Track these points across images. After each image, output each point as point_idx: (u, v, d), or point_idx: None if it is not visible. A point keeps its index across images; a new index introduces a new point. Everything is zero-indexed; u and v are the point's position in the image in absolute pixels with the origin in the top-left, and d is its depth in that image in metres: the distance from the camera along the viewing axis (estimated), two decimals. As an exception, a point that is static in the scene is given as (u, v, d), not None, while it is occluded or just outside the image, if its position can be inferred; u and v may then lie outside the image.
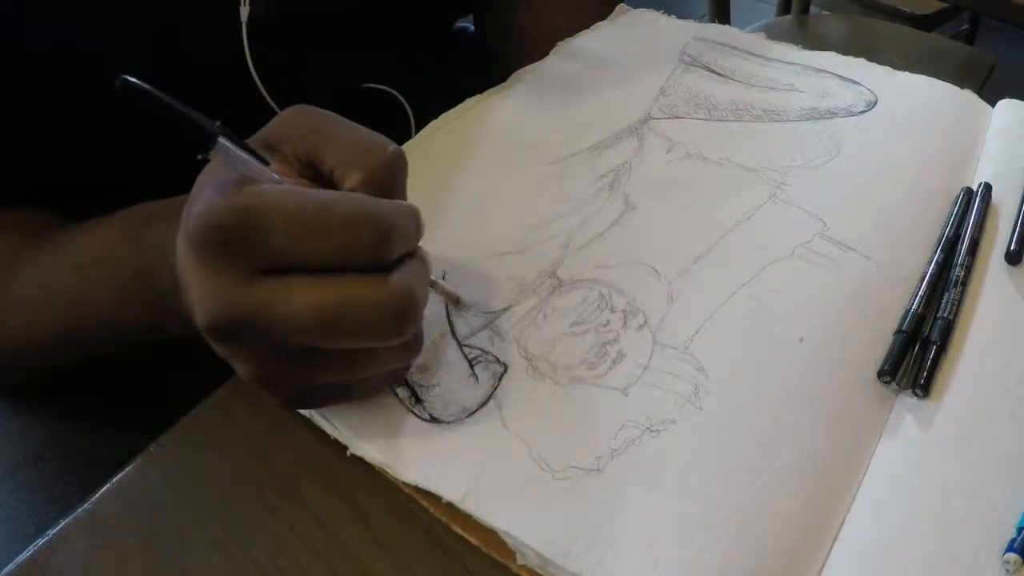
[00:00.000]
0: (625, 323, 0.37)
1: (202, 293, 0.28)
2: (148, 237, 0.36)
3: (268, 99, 0.47)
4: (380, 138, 0.31)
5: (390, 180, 0.31)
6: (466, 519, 0.31)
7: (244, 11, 0.44)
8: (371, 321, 0.28)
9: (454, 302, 0.37)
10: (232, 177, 0.28)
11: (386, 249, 0.29)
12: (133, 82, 0.26)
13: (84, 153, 0.43)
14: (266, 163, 0.29)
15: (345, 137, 0.31)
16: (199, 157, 0.28)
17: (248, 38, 0.44)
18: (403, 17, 0.55)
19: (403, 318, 0.29)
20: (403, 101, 0.55)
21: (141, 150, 0.43)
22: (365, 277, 0.28)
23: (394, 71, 0.56)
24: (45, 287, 0.39)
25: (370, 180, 0.30)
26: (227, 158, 0.28)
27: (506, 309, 0.38)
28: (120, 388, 0.45)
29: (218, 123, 0.28)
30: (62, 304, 0.39)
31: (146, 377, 0.44)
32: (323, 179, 0.31)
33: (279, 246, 0.27)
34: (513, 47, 0.57)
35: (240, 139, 0.29)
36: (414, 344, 0.32)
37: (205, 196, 0.28)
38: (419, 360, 0.35)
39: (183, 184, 0.37)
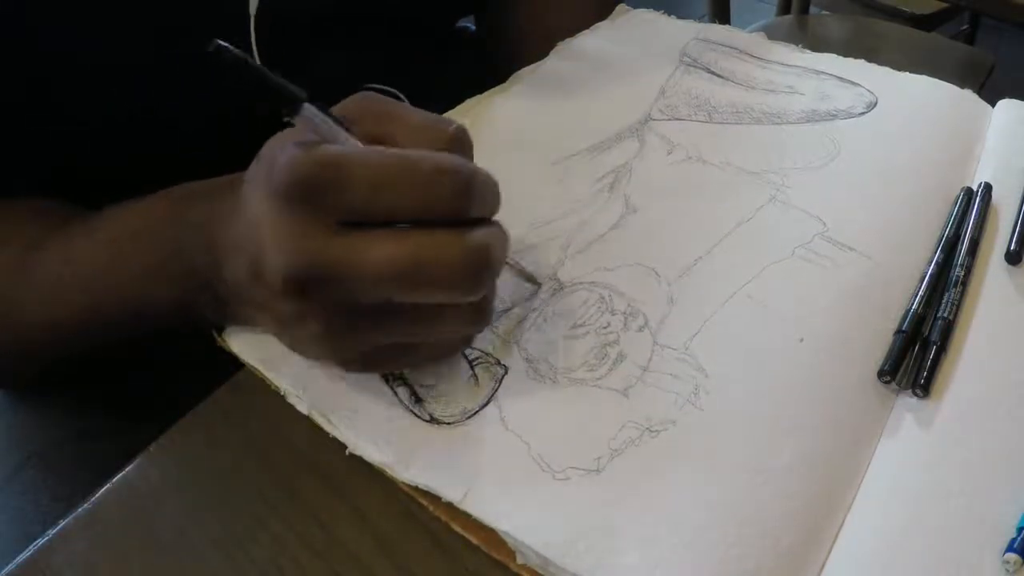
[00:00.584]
0: (625, 325, 0.37)
1: (282, 244, 0.29)
2: (189, 215, 0.36)
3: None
4: (443, 118, 0.33)
5: (459, 153, 0.32)
6: (466, 519, 0.31)
7: (253, 4, 0.44)
8: (447, 274, 0.29)
9: (532, 282, 0.38)
10: (312, 138, 0.30)
11: (466, 203, 0.30)
12: (225, 47, 0.27)
13: (94, 148, 0.43)
14: (348, 130, 0.30)
15: (411, 119, 0.32)
16: (285, 120, 0.29)
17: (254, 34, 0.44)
18: (407, 16, 0.55)
19: (479, 274, 0.30)
20: (404, 100, 0.55)
21: (149, 143, 0.43)
22: (445, 231, 0.29)
23: (396, 71, 0.56)
24: (71, 265, 0.39)
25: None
26: (311, 123, 0.29)
27: (507, 311, 0.38)
28: (121, 388, 0.45)
29: (305, 91, 0.29)
30: (88, 280, 0.39)
31: (146, 377, 0.44)
32: None
33: (362, 198, 0.28)
34: (513, 47, 0.57)
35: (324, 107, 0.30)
36: (485, 309, 0.33)
37: (289, 151, 0.29)
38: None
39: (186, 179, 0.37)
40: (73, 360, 0.44)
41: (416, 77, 0.57)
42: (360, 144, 0.30)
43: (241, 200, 0.32)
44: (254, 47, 0.45)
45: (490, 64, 0.57)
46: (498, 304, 0.38)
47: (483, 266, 0.30)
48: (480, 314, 0.33)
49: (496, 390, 0.34)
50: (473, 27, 0.68)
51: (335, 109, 0.32)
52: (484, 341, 0.36)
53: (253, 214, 0.30)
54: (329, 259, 0.28)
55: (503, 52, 0.58)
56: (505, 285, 0.38)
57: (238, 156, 0.33)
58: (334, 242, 0.29)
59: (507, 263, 0.36)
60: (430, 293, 0.30)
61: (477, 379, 0.35)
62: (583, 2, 0.59)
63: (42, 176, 0.44)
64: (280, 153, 0.29)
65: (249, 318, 0.36)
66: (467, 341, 0.35)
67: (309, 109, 0.29)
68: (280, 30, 0.45)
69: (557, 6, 0.59)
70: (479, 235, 0.30)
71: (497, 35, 0.62)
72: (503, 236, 0.32)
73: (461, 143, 0.32)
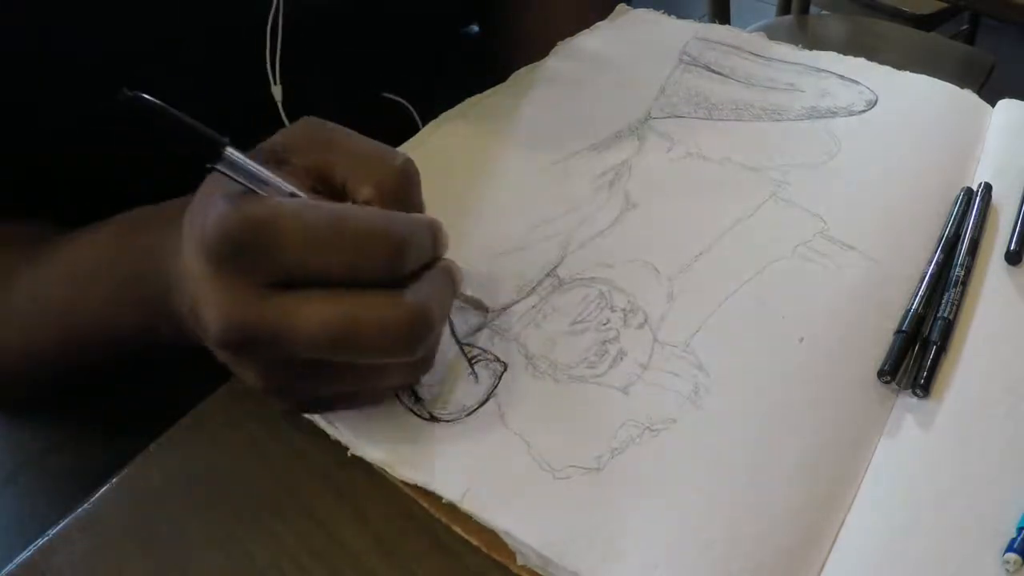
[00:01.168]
0: (625, 322, 0.37)
1: (213, 305, 0.28)
2: (142, 241, 0.36)
3: (281, 112, 0.47)
4: (389, 149, 0.31)
5: (403, 190, 0.31)
6: (466, 519, 0.31)
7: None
8: (383, 338, 0.28)
9: (481, 309, 0.37)
10: (242, 188, 0.28)
11: (400, 263, 0.29)
12: (139, 96, 0.26)
13: (80, 158, 0.43)
14: (280, 167, 0.29)
15: (355, 148, 0.31)
16: (208, 167, 0.28)
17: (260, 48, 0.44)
18: (412, 22, 0.55)
19: (416, 336, 0.28)
20: (411, 108, 0.55)
21: (138, 154, 0.43)
22: (379, 293, 0.28)
23: (399, 75, 0.55)
24: (38, 299, 0.39)
25: (383, 191, 0.30)
26: (236, 170, 0.28)
27: (506, 308, 0.38)
28: (120, 390, 0.45)
29: (226, 137, 0.28)
30: (56, 315, 0.39)
31: (146, 378, 0.44)
32: (334, 191, 0.31)
33: (292, 259, 0.27)
34: (515, 47, 0.57)
35: (246, 151, 0.29)
36: (428, 360, 0.32)
37: (217, 207, 0.28)
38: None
39: (180, 186, 0.37)
40: (60, 384, 0.44)
41: (420, 79, 0.57)
42: (292, 189, 0.29)
43: (180, 239, 0.31)
44: (278, 51, 0.45)
45: (490, 64, 0.57)
46: (498, 302, 0.38)
47: (420, 325, 0.28)
48: (422, 365, 0.32)
49: (495, 387, 0.34)
50: (476, 28, 0.68)
51: (276, 135, 0.31)
52: (483, 338, 0.36)
53: (189, 267, 0.29)
54: (259, 321, 0.28)
55: (504, 52, 0.58)
56: (497, 285, 0.38)
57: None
58: (265, 303, 0.28)
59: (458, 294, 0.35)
60: (366, 355, 0.29)
61: (476, 376, 0.35)
62: (583, 2, 0.59)
63: (21, 191, 0.44)
64: (210, 207, 0.28)
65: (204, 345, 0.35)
66: (412, 384, 0.34)
67: (232, 155, 0.28)
68: (288, 36, 0.45)
69: (558, 7, 0.59)
70: (416, 295, 0.29)
71: (499, 35, 0.62)
72: (444, 285, 0.31)
73: (405, 178, 0.31)
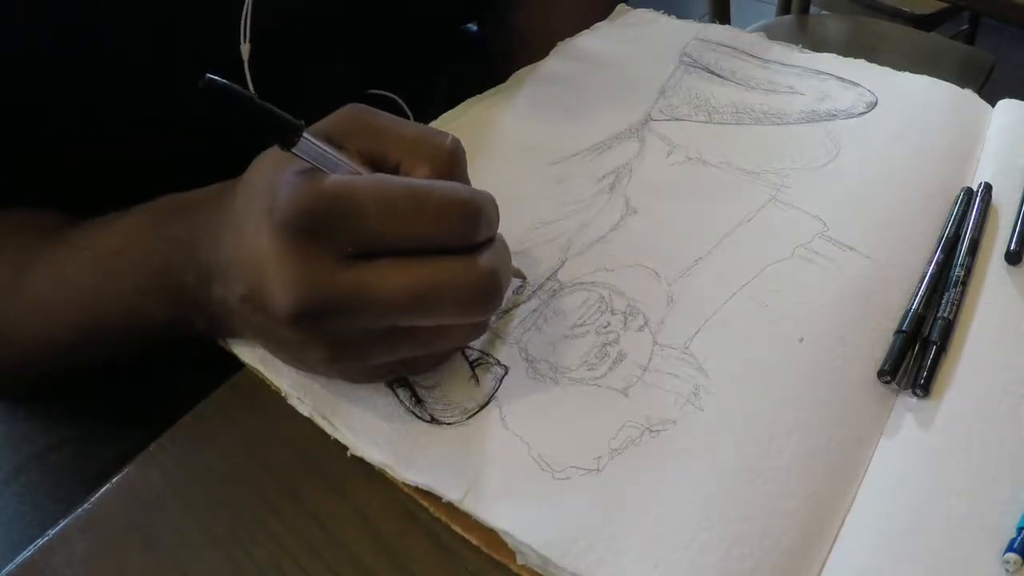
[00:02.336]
0: (625, 324, 0.37)
1: (289, 278, 0.29)
2: (173, 230, 0.36)
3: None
4: (436, 130, 0.33)
5: (455, 169, 0.32)
6: (466, 519, 0.31)
7: (245, 50, 0.44)
8: (461, 300, 0.30)
9: (520, 277, 0.39)
10: (307, 165, 0.29)
11: (474, 231, 0.30)
12: (217, 80, 0.27)
13: (88, 152, 0.43)
14: (344, 154, 0.30)
15: (405, 131, 0.32)
16: (283, 149, 0.29)
17: (249, 48, 0.44)
18: (412, 20, 0.55)
19: (490, 297, 0.30)
20: (404, 107, 0.55)
21: (147, 148, 0.43)
22: (455, 258, 0.30)
23: (396, 75, 0.55)
24: (62, 284, 0.39)
25: (438, 170, 0.31)
26: (307, 152, 0.29)
27: (507, 311, 0.38)
28: (120, 389, 0.45)
29: (302, 121, 0.29)
30: (80, 301, 0.38)
31: (146, 377, 0.43)
32: (388, 173, 0.32)
33: (371, 230, 0.29)
34: (515, 48, 0.57)
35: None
36: (485, 322, 0.34)
37: (291, 183, 0.29)
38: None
39: (184, 180, 0.37)
40: (77, 375, 0.44)
41: (418, 79, 0.57)
42: (359, 170, 0.30)
43: (231, 221, 0.32)
44: (248, 77, 0.45)
45: (490, 64, 0.57)
46: None
47: (494, 289, 0.30)
48: (483, 326, 0.34)
49: (496, 390, 0.34)
50: (475, 28, 0.68)
51: (325, 122, 0.32)
52: (484, 341, 0.36)
53: (252, 246, 0.30)
54: (339, 292, 0.28)
55: (504, 52, 0.58)
56: None
57: (237, 158, 0.33)
58: (344, 275, 0.29)
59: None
60: (444, 317, 0.30)
61: (477, 379, 0.35)
62: (584, 2, 0.59)
63: (29, 185, 0.43)
64: (282, 184, 0.29)
65: (244, 336, 0.36)
66: (465, 345, 0.35)
67: (307, 139, 0.29)
68: (277, 40, 0.45)
69: (558, 7, 0.59)
70: (488, 260, 0.30)
71: (499, 35, 0.62)
72: (506, 253, 0.33)
73: (457, 157, 0.32)
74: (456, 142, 0.32)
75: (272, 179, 0.30)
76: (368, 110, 0.33)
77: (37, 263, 0.40)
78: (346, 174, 0.30)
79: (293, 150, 0.29)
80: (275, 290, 0.29)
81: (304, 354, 0.32)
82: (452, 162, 0.32)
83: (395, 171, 0.32)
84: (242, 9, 0.43)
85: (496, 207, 0.32)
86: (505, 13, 0.60)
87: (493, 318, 0.37)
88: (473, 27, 0.68)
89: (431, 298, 0.29)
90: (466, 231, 0.30)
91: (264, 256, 0.29)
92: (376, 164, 0.32)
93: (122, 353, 0.41)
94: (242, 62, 0.44)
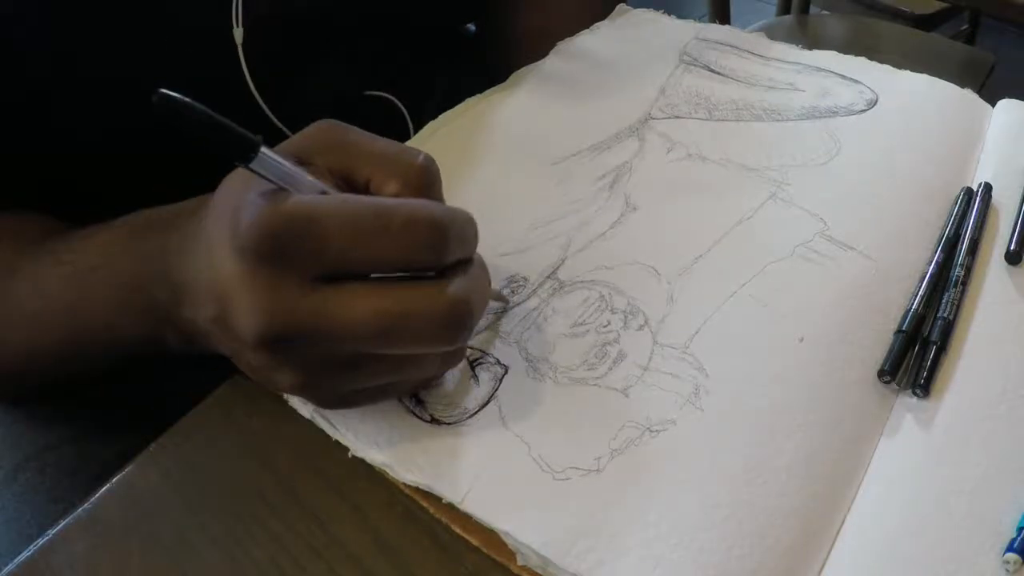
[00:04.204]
0: (625, 323, 0.37)
1: (253, 304, 0.28)
2: (145, 247, 0.35)
3: (267, 111, 0.46)
4: (408, 147, 0.32)
5: (427, 186, 0.31)
6: (466, 519, 0.31)
7: (238, 34, 0.44)
8: (428, 329, 0.28)
9: (501, 300, 0.38)
10: (272, 185, 0.28)
11: (444, 251, 0.29)
12: (170, 95, 0.26)
13: (79, 159, 0.43)
14: (308, 170, 0.29)
15: (376, 148, 0.31)
16: (239, 166, 0.28)
17: (245, 50, 0.44)
18: (410, 21, 0.55)
19: (459, 326, 0.29)
20: (402, 108, 0.55)
21: (140, 155, 0.43)
22: (423, 284, 0.29)
23: (394, 76, 0.55)
24: (43, 297, 0.39)
25: (408, 187, 0.30)
26: (268, 170, 0.28)
27: (507, 310, 0.38)
28: (120, 389, 0.45)
29: (259, 136, 0.27)
30: (60, 314, 0.39)
31: (146, 378, 0.43)
32: (358, 191, 0.31)
33: (337, 252, 0.27)
34: (514, 47, 0.57)
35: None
36: (460, 351, 0.33)
37: (254, 205, 0.28)
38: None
39: (180, 185, 0.37)
40: (60, 384, 0.44)
41: (416, 79, 0.57)
42: (323, 187, 0.29)
43: (200, 242, 0.31)
44: (244, 67, 0.44)
45: (490, 64, 0.57)
46: (498, 304, 0.38)
47: (463, 319, 0.29)
48: (456, 355, 0.33)
49: (496, 390, 0.34)
50: (473, 28, 0.68)
51: (295, 138, 0.31)
52: (484, 340, 0.36)
53: (218, 269, 0.29)
54: (304, 317, 0.28)
55: (503, 52, 0.58)
56: (497, 287, 0.38)
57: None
58: (308, 299, 0.28)
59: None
60: (411, 346, 0.29)
61: (477, 379, 0.35)
62: (583, 2, 0.59)
63: (26, 186, 0.43)
64: (244, 205, 0.28)
65: (220, 353, 0.35)
66: (443, 373, 0.35)
67: (266, 155, 0.27)
68: (273, 41, 0.45)
69: (557, 6, 0.59)
70: (459, 286, 0.29)
71: (498, 36, 0.62)
72: (483, 277, 0.32)
73: (429, 174, 0.31)
74: (428, 159, 0.31)
75: (236, 200, 0.29)
76: (339, 126, 0.32)
77: (22, 274, 0.40)
78: (310, 192, 0.29)
79: (252, 166, 0.28)
80: (240, 316, 0.28)
81: (275, 378, 0.31)
82: (424, 179, 0.31)
83: (365, 188, 0.31)
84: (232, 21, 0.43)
85: (473, 226, 0.31)
86: (503, 14, 0.60)
87: (491, 318, 0.37)
88: (471, 27, 0.68)
89: (397, 327, 0.28)
90: (434, 251, 0.28)
91: (228, 280, 0.29)
92: (347, 181, 0.31)
93: (103, 366, 0.41)
94: (239, 74, 0.44)
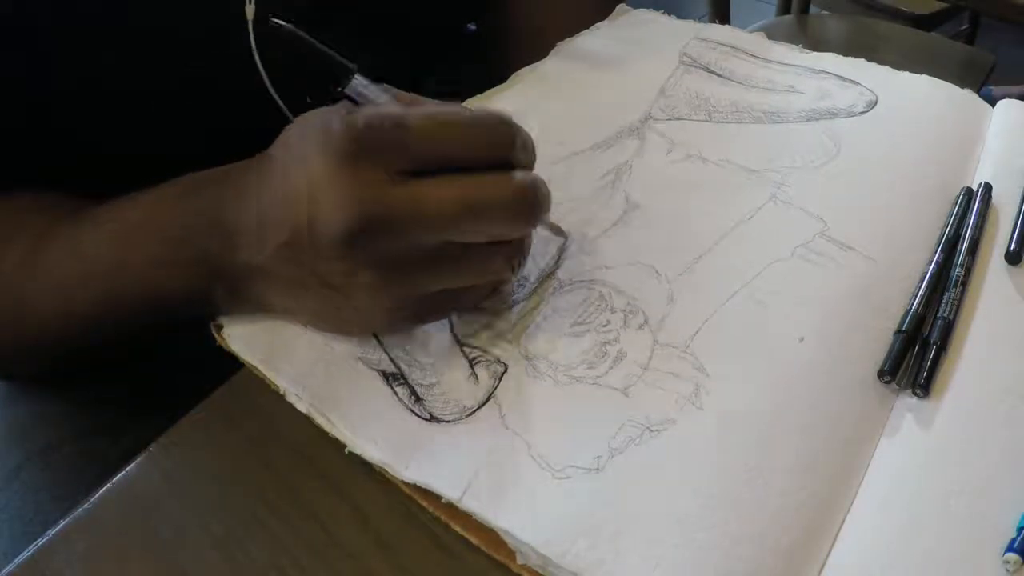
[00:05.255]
0: (625, 323, 0.37)
1: (344, 197, 0.30)
2: (197, 202, 0.36)
3: (276, 98, 0.47)
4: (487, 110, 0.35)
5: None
6: (466, 518, 0.31)
7: (250, 10, 0.44)
8: (507, 208, 0.32)
9: (560, 234, 0.41)
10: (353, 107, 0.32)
11: (513, 150, 0.33)
12: (279, 23, 0.31)
13: (95, 143, 0.43)
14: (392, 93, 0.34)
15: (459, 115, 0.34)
16: (338, 89, 0.32)
17: (254, 38, 0.44)
18: (413, 20, 0.55)
19: (533, 205, 0.33)
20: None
21: (154, 140, 0.43)
22: (497, 173, 0.32)
23: (395, 74, 0.55)
24: (81, 258, 0.39)
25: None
26: (360, 93, 0.33)
27: (507, 309, 0.38)
28: (120, 388, 0.45)
29: (355, 64, 0.33)
30: (100, 274, 0.39)
31: (147, 378, 0.44)
32: None
33: (420, 148, 0.31)
34: (514, 47, 0.57)
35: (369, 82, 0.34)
36: (526, 244, 0.36)
37: (341, 114, 0.31)
38: (419, 359, 0.35)
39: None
40: (91, 352, 0.44)
41: (418, 76, 0.57)
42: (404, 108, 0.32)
43: (267, 179, 0.33)
44: (255, 51, 0.45)
45: (490, 64, 0.57)
46: (532, 265, 0.39)
47: (535, 198, 0.33)
48: (523, 249, 0.36)
49: (495, 388, 0.34)
50: (473, 27, 0.68)
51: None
52: (483, 338, 0.36)
53: (297, 180, 0.31)
54: (392, 207, 0.30)
55: (504, 52, 0.58)
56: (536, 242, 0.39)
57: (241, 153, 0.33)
58: (396, 191, 0.30)
59: None
60: (492, 227, 0.32)
61: (476, 377, 0.35)
62: (584, 2, 0.59)
63: (46, 170, 0.43)
64: (332, 117, 0.31)
65: (268, 301, 0.36)
66: (506, 283, 0.38)
67: (359, 79, 0.33)
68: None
69: (558, 6, 0.59)
70: (527, 175, 0.33)
71: (498, 35, 0.62)
72: (543, 180, 0.35)
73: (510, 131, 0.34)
74: (509, 119, 0.34)
75: (318, 122, 0.32)
76: (403, 94, 0.35)
77: (55, 239, 0.40)
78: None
79: (347, 91, 0.32)
80: (328, 212, 0.30)
81: (351, 286, 0.32)
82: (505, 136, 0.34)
83: None
84: (242, 7, 0.43)
85: (534, 146, 0.35)
86: (505, 13, 0.60)
87: (492, 311, 0.37)
88: (471, 26, 0.68)
89: (480, 207, 0.31)
90: (505, 149, 0.32)
91: (314, 183, 0.31)
92: None
93: (137, 330, 0.41)
94: (249, 60, 0.44)
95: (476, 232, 0.32)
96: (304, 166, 0.31)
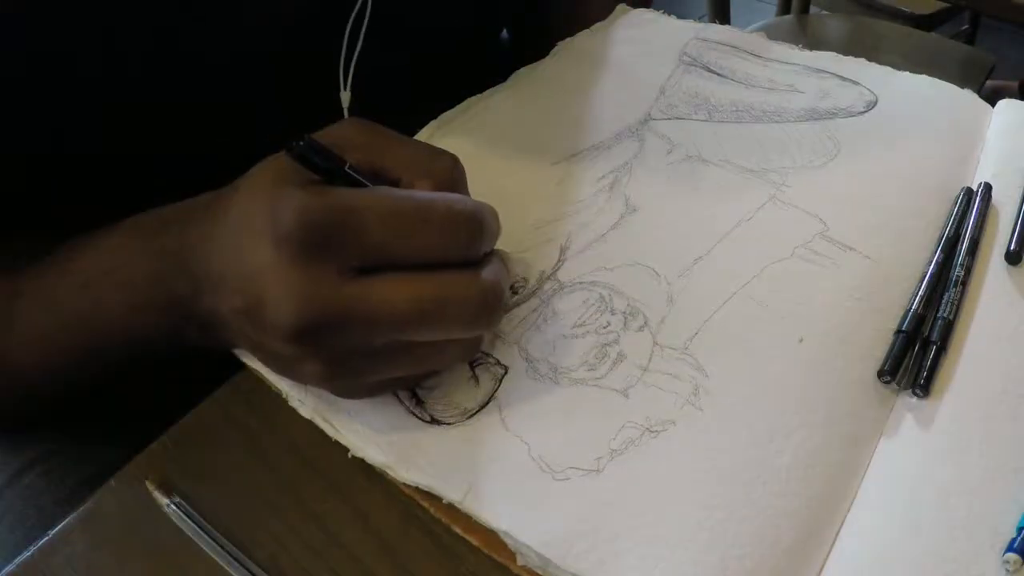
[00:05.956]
0: (625, 324, 0.37)
1: (293, 293, 0.29)
2: (163, 243, 0.35)
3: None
4: (437, 148, 0.33)
5: (457, 184, 0.33)
6: (466, 520, 0.31)
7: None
8: (465, 313, 0.30)
9: (522, 281, 0.39)
10: (310, 176, 0.29)
11: (478, 244, 0.31)
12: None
13: (84, 158, 0.43)
14: (344, 167, 0.30)
15: (407, 146, 0.33)
16: (286, 152, 0.29)
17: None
18: (450, 34, 0.55)
19: (492, 310, 0.31)
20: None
21: (141, 155, 0.43)
22: (458, 272, 0.30)
23: (417, 76, 0.55)
24: (54, 311, 0.38)
25: (439, 186, 0.32)
26: (311, 161, 0.29)
27: (507, 311, 0.38)
28: (121, 390, 0.45)
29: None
30: (74, 325, 0.38)
31: (147, 378, 0.43)
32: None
33: (377, 244, 0.29)
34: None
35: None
36: (479, 339, 0.34)
37: (295, 197, 0.29)
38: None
39: (177, 183, 0.37)
40: (78, 397, 0.44)
41: (425, 80, 0.57)
42: (363, 181, 0.30)
43: (225, 233, 0.31)
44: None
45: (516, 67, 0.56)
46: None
47: (495, 303, 0.31)
48: (479, 342, 0.34)
49: (496, 390, 0.34)
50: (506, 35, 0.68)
51: (325, 131, 0.32)
52: (483, 341, 0.36)
53: (249, 259, 0.30)
54: (343, 307, 0.28)
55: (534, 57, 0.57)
56: None
57: (238, 160, 0.33)
58: (348, 289, 0.28)
59: None
60: (446, 332, 0.30)
61: (477, 379, 0.35)
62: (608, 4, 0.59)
63: (15, 203, 0.43)
64: (284, 196, 0.29)
65: (236, 346, 0.35)
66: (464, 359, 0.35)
67: (312, 145, 0.29)
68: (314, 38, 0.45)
69: (591, 8, 0.59)
70: (490, 272, 0.31)
71: (531, 42, 0.61)
72: (503, 265, 0.33)
73: (459, 172, 0.33)
74: (456, 159, 0.33)
75: (273, 191, 0.30)
76: (370, 124, 0.33)
77: (27, 291, 0.39)
78: (349, 185, 0.30)
79: (296, 154, 0.29)
80: (276, 304, 0.29)
81: (298, 369, 0.32)
82: (453, 178, 0.32)
83: (395, 185, 0.32)
84: (244, 8, 0.43)
85: (497, 219, 0.32)
86: (542, 24, 0.60)
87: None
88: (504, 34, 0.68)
89: (436, 312, 0.29)
90: (470, 244, 0.30)
91: (265, 270, 0.29)
92: (377, 176, 0.32)
93: (121, 372, 0.40)
94: (242, 63, 0.44)
95: (430, 335, 0.30)
96: (253, 247, 0.29)
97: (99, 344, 0.38)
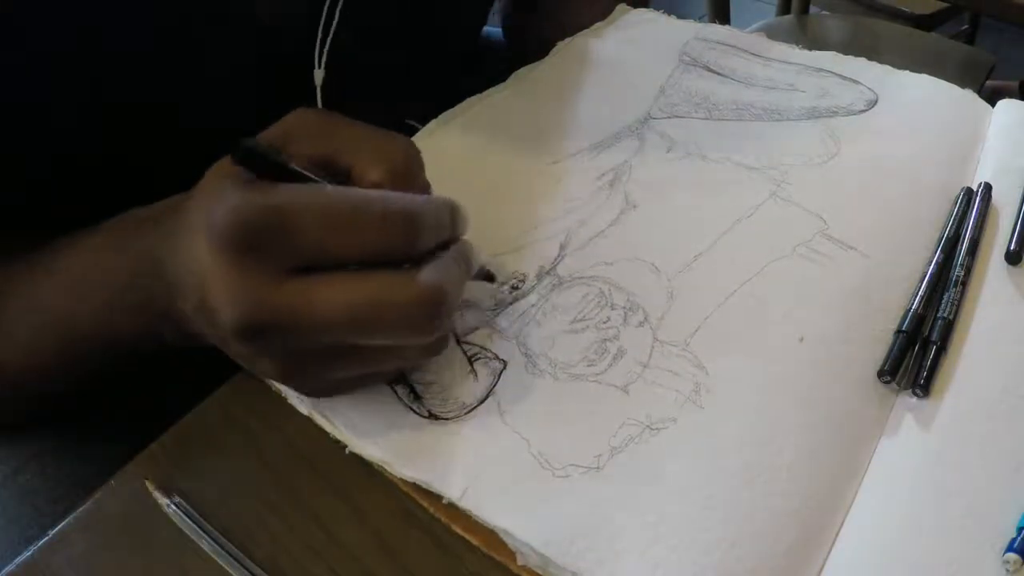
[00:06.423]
0: (625, 320, 0.37)
1: (229, 295, 0.28)
2: (138, 244, 0.35)
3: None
4: (390, 132, 0.32)
5: (411, 171, 0.31)
6: (466, 519, 0.31)
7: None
8: (401, 319, 0.28)
9: (489, 279, 0.37)
10: (253, 177, 0.29)
11: (417, 243, 0.29)
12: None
13: (73, 160, 0.43)
14: (287, 164, 0.29)
15: (358, 134, 0.31)
16: (231, 156, 0.28)
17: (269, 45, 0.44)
18: (446, 34, 0.55)
19: (433, 316, 0.29)
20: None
21: (132, 155, 0.43)
22: (395, 274, 0.29)
23: (422, 87, 0.55)
24: (38, 311, 0.39)
25: (391, 173, 0.30)
26: (253, 160, 0.29)
27: (506, 306, 0.38)
28: (120, 389, 0.45)
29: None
30: (55, 324, 0.38)
31: (146, 378, 0.43)
32: (339, 177, 0.31)
33: (311, 244, 0.28)
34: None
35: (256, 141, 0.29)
36: (441, 340, 0.33)
37: (230, 198, 0.28)
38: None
39: (173, 182, 0.37)
40: (67, 396, 0.44)
41: (446, 90, 0.57)
42: (307, 175, 0.29)
43: (183, 235, 0.31)
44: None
45: (489, 64, 0.56)
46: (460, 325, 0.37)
47: (437, 306, 0.29)
48: (437, 345, 0.33)
49: (495, 385, 0.34)
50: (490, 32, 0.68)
51: (275, 126, 0.31)
52: (482, 336, 0.36)
53: (197, 261, 0.29)
54: (279, 307, 0.28)
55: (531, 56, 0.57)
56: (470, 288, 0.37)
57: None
58: (283, 290, 0.28)
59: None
60: (384, 337, 0.29)
61: (475, 374, 0.35)
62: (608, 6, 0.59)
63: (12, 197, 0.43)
64: (223, 198, 0.28)
65: (208, 345, 0.35)
66: (426, 361, 0.35)
67: (248, 144, 0.28)
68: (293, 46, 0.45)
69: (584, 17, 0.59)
70: (429, 274, 0.29)
71: (525, 39, 0.61)
72: (458, 263, 0.32)
73: (411, 160, 0.31)
74: (410, 144, 0.32)
75: (213, 192, 0.29)
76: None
77: (14, 291, 0.39)
78: (293, 183, 0.29)
79: (236, 156, 0.28)
80: (218, 306, 0.29)
81: (258, 367, 0.31)
82: (406, 165, 0.31)
83: (347, 175, 0.31)
84: (248, 7, 0.43)
85: (451, 211, 0.31)
86: (540, 21, 0.60)
87: (490, 314, 0.37)
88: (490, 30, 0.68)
89: (369, 318, 0.28)
90: (408, 242, 0.29)
91: (205, 272, 0.29)
92: (328, 168, 0.31)
93: (106, 372, 0.41)
94: (242, 66, 0.44)
95: (368, 340, 0.29)
96: (198, 249, 0.29)
97: (80, 344, 0.38)
